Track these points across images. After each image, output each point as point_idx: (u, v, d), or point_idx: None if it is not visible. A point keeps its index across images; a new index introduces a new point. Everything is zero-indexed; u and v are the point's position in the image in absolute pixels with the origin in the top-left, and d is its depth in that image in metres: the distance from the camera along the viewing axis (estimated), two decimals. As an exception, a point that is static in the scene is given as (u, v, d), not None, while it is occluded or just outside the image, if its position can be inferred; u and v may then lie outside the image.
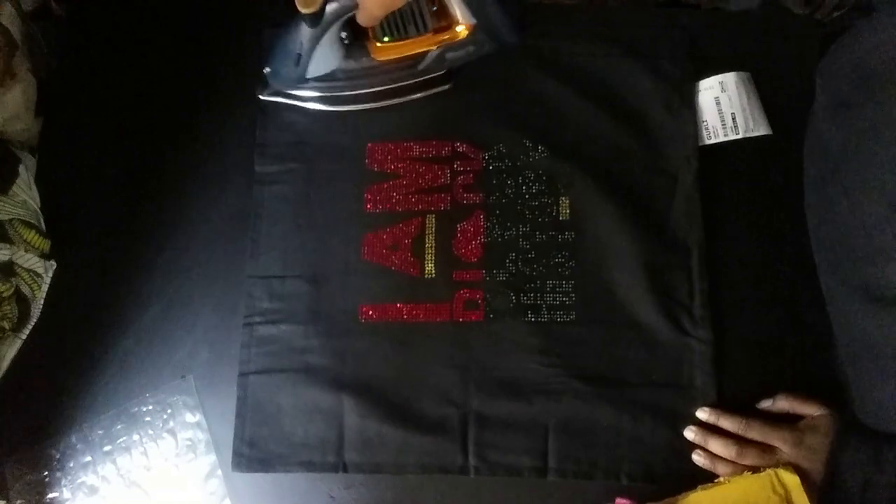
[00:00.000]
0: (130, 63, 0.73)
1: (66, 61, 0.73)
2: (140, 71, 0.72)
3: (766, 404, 0.61)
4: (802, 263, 0.64)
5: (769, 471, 0.56)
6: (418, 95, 0.69)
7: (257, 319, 0.66)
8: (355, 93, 0.67)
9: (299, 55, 0.61)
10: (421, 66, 0.66)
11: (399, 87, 0.67)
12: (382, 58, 0.65)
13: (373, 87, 0.67)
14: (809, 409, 0.58)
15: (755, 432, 0.58)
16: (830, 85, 0.61)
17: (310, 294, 0.66)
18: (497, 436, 0.62)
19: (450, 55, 0.66)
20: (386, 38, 0.64)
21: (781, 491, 0.55)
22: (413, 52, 0.65)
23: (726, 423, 0.59)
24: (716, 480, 0.59)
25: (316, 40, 0.60)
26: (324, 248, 0.67)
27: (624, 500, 0.60)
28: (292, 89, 0.67)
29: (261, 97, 0.68)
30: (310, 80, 0.65)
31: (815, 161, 0.62)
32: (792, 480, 0.55)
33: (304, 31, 0.59)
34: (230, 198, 0.69)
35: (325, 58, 0.63)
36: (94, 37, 0.73)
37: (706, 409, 0.61)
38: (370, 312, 0.65)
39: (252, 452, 0.63)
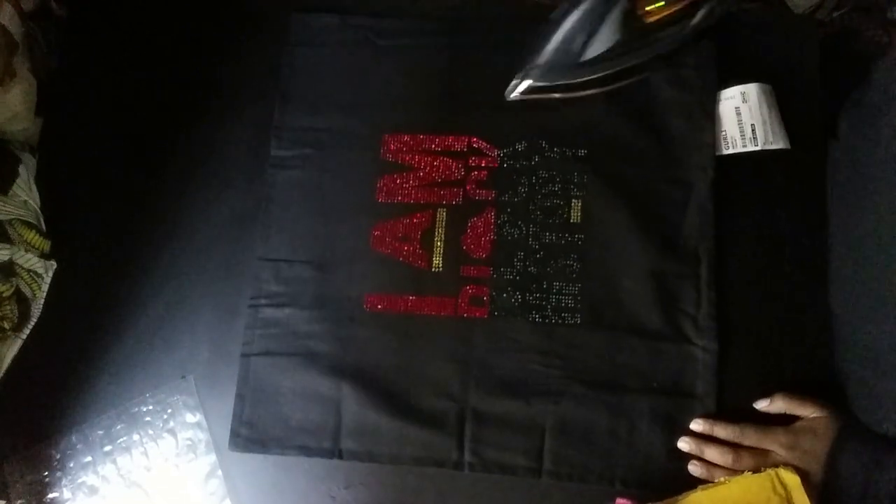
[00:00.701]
0: (130, 63, 0.73)
1: (66, 61, 0.73)
2: (140, 71, 0.72)
3: (762, 404, 0.60)
4: (813, 276, 0.64)
5: (769, 470, 0.56)
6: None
7: (263, 302, 0.66)
8: (628, 65, 0.63)
9: (587, 36, 0.58)
10: (694, 22, 0.63)
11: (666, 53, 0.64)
12: (654, 18, 0.61)
13: (643, 57, 0.63)
14: (806, 411, 0.58)
15: (750, 438, 0.58)
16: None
17: (316, 280, 0.66)
18: (494, 433, 0.62)
19: (720, 7, 0.62)
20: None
21: (782, 491, 0.55)
22: (686, 4, 0.62)
23: (721, 431, 0.59)
24: (716, 480, 0.59)
25: (602, 16, 0.57)
26: (333, 235, 0.67)
27: (624, 501, 0.60)
28: (564, 79, 0.64)
29: (512, 97, 0.65)
30: (585, 63, 0.61)
31: (841, 166, 0.62)
32: (792, 480, 0.55)
33: (591, 7, 0.56)
34: (230, 198, 0.69)
35: (607, 33, 0.59)
36: (94, 37, 0.73)
37: (699, 420, 0.60)
38: (375, 302, 0.65)
39: (249, 433, 0.63)
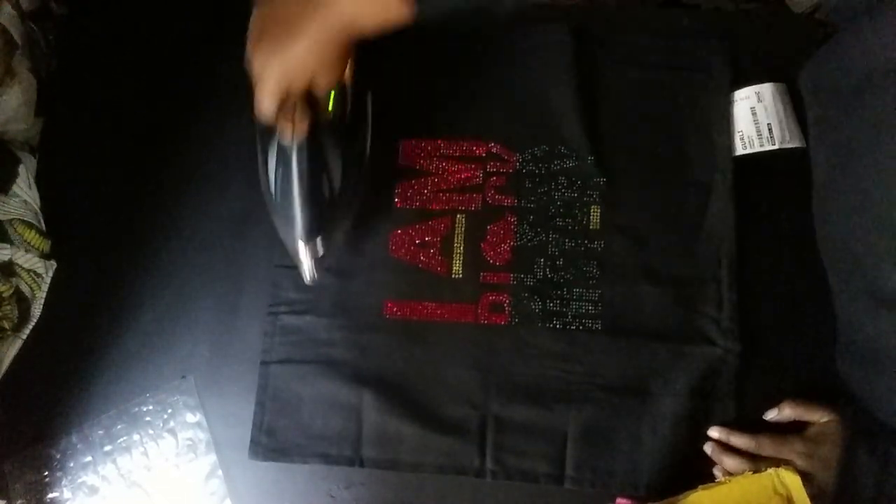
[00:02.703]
0: (130, 63, 0.73)
1: (66, 61, 0.72)
2: (140, 71, 0.72)
3: (771, 415, 0.60)
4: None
5: (770, 471, 0.56)
6: None
7: (282, 309, 0.66)
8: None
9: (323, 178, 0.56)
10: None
11: None
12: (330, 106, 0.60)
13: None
14: (815, 415, 0.58)
15: (767, 449, 0.58)
16: (818, 97, 0.60)
17: (335, 287, 0.66)
18: (515, 440, 0.62)
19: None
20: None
21: (783, 491, 0.55)
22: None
23: (738, 441, 0.59)
24: (717, 480, 0.59)
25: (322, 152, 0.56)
26: (352, 241, 0.67)
27: (624, 500, 0.60)
28: None
29: None
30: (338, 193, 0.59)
31: (816, 165, 0.62)
32: (793, 481, 0.55)
33: None
34: (230, 198, 0.69)
35: (337, 159, 0.58)
36: (94, 37, 0.73)
37: (717, 428, 0.60)
38: (395, 309, 0.65)
39: (269, 441, 0.63)
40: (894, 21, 0.46)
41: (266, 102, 0.50)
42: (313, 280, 0.59)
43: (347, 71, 0.56)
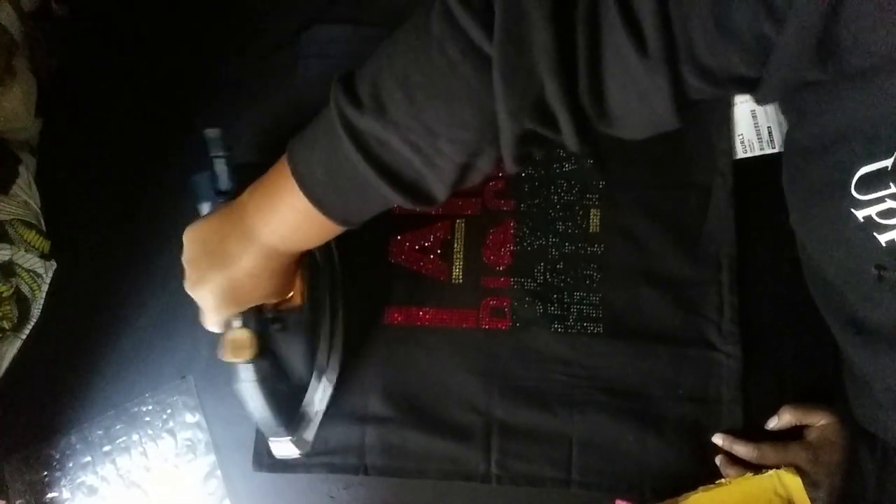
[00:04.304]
0: (131, 63, 0.72)
1: (66, 61, 0.72)
2: (140, 71, 0.72)
3: (773, 424, 0.60)
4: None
5: (771, 472, 0.56)
6: None
7: None
8: None
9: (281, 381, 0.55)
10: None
11: None
12: (304, 295, 0.57)
13: None
14: (815, 419, 0.58)
15: (769, 458, 0.58)
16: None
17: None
18: (520, 445, 0.61)
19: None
20: None
21: (783, 492, 0.55)
22: None
23: (740, 450, 0.59)
24: (717, 481, 0.58)
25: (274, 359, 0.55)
26: (351, 248, 0.66)
27: (624, 502, 0.59)
28: None
29: None
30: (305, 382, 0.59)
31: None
32: (794, 482, 0.55)
33: None
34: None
35: (296, 356, 0.57)
36: (94, 37, 0.73)
37: (720, 435, 0.60)
38: (396, 315, 0.65)
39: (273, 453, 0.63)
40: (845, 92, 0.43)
41: (211, 326, 0.52)
42: (305, 451, 0.58)
43: (299, 283, 0.55)
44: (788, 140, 0.51)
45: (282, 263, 0.49)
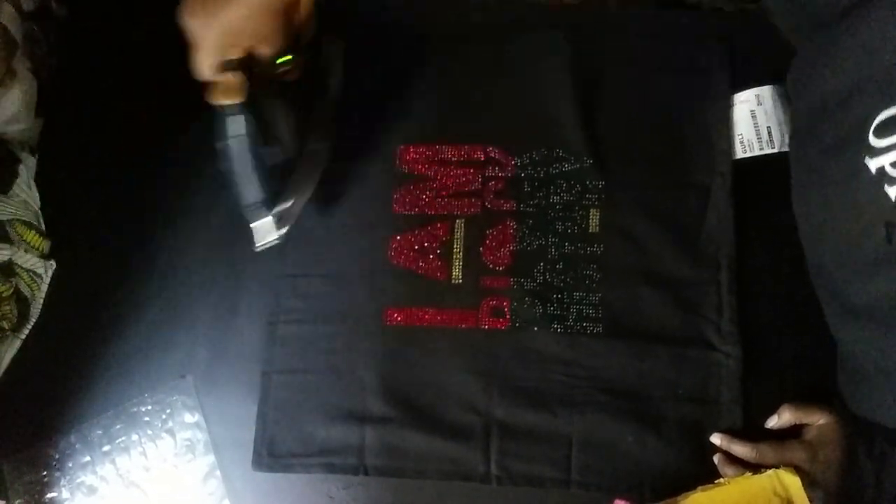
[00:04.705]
0: (131, 63, 0.73)
1: (66, 61, 0.73)
2: (140, 71, 0.72)
3: (772, 423, 0.60)
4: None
5: (770, 472, 0.56)
6: None
7: (282, 318, 0.65)
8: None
9: (267, 145, 0.56)
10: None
11: None
12: (300, 69, 0.59)
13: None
14: (814, 418, 0.58)
15: (768, 457, 0.58)
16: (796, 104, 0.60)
17: (335, 294, 0.66)
18: (520, 446, 0.61)
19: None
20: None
21: (782, 492, 0.55)
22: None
23: (738, 449, 0.59)
24: (716, 481, 0.58)
25: (261, 118, 0.56)
26: (351, 248, 0.66)
27: (624, 502, 0.59)
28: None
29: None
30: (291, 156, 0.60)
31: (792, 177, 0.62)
32: (793, 482, 0.55)
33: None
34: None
35: (283, 122, 0.59)
36: (94, 37, 0.73)
37: (718, 434, 0.60)
38: (395, 315, 0.65)
39: (272, 452, 0.63)
40: (848, 46, 0.46)
41: (203, 68, 0.50)
42: (265, 244, 0.59)
43: (304, 33, 0.55)
44: (801, 108, 0.52)
45: (283, 8, 0.50)
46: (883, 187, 0.41)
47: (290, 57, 0.55)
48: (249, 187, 0.54)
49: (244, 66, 0.51)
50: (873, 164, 0.42)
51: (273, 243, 0.59)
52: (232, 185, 0.54)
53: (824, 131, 0.47)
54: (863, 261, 0.47)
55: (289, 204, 0.58)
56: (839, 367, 0.59)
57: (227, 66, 0.50)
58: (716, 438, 0.60)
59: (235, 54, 0.50)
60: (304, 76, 0.58)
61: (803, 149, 0.53)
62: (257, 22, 0.49)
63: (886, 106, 0.40)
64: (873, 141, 0.41)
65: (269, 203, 0.56)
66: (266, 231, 0.57)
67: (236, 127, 0.52)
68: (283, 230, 0.58)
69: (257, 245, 0.59)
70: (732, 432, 0.60)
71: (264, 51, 0.52)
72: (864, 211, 0.45)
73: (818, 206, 0.53)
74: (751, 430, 0.60)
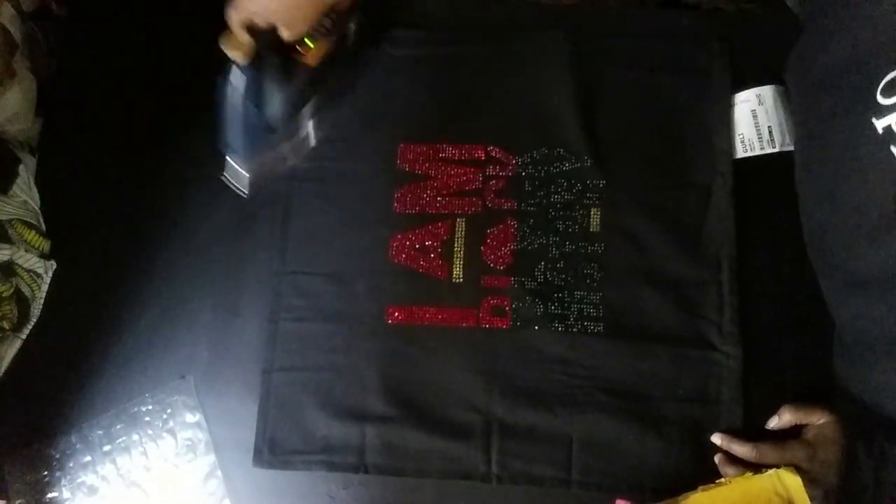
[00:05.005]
0: (131, 63, 0.73)
1: (66, 61, 0.73)
2: (140, 71, 0.72)
3: (773, 423, 0.60)
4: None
5: (771, 472, 0.56)
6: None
7: (283, 316, 0.66)
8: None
9: (262, 101, 0.60)
10: (350, 42, 0.67)
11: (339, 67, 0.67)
12: (316, 59, 0.62)
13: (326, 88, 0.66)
14: (814, 418, 0.58)
15: (768, 457, 0.58)
16: (794, 87, 0.61)
17: (336, 293, 0.66)
18: (520, 445, 0.62)
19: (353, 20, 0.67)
20: (309, 42, 0.61)
21: (783, 492, 0.55)
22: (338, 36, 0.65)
23: (738, 449, 0.59)
24: (717, 481, 0.58)
25: (259, 83, 0.60)
26: (352, 246, 0.66)
27: (624, 502, 0.59)
28: (270, 149, 0.64)
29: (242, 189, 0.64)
30: (276, 126, 0.63)
31: (795, 156, 0.62)
32: (793, 482, 0.55)
33: (250, 75, 0.60)
34: (230, 197, 0.69)
35: (275, 91, 0.61)
36: (94, 37, 0.73)
37: (719, 434, 0.60)
38: (396, 314, 0.65)
39: (273, 449, 0.63)
40: (850, 19, 0.47)
41: (231, 19, 0.57)
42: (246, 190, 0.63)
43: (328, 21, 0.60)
44: (806, 72, 0.54)
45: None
46: (889, 147, 0.41)
47: (308, 44, 0.60)
48: (229, 131, 0.60)
49: (259, 36, 0.57)
50: (880, 123, 0.42)
51: (240, 192, 0.63)
52: (216, 122, 0.61)
53: (833, 93, 0.48)
54: (868, 226, 0.47)
55: (262, 160, 0.63)
56: (836, 351, 0.59)
57: (248, 29, 0.56)
58: (716, 438, 0.60)
59: (260, 23, 0.56)
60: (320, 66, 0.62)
61: (809, 112, 0.53)
62: (289, 6, 0.55)
63: (893, 67, 0.41)
64: (881, 99, 0.41)
65: (249, 149, 0.61)
66: (236, 173, 0.62)
67: (234, 79, 0.59)
68: (251, 176, 0.62)
69: (226, 177, 0.63)
70: (733, 432, 0.60)
71: (285, 33, 0.57)
72: (869, 174, 0.45)
73: (820, 175, 0.53)
74: (751, 430, 0.60)
